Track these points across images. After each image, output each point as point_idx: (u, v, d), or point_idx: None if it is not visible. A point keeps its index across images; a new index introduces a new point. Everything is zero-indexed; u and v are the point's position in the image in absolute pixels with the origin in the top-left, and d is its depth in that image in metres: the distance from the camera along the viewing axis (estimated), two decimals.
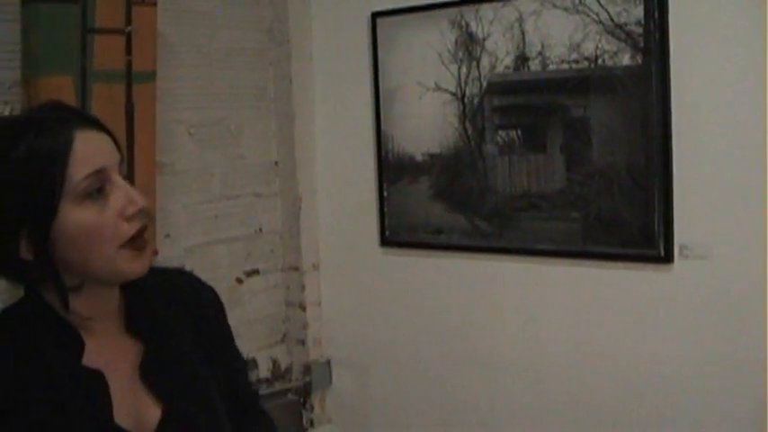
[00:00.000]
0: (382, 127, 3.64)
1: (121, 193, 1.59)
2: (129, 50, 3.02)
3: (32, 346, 1.57)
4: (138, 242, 1.61)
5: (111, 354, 1.66)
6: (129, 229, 1.59)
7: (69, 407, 1.54)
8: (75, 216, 1.54)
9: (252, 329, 3.78)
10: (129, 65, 3.02)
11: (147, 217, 1.65)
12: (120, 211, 1.58)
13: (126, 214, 1.59)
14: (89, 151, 1.57)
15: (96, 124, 1.63)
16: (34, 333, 1.59)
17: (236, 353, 2.02)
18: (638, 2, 2.98)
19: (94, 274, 1.60)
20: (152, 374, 1.69)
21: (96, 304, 1.66)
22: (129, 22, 3.00)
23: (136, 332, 1.72)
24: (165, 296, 1.83)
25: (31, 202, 1.52)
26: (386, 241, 3.71)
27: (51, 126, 1.55)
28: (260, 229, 3.84)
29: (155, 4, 3.09)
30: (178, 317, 1.83)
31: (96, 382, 1.60)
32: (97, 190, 1.57)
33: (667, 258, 3.00)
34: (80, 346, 1.61)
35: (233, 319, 3.57)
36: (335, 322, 3.92)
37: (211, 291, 1.98)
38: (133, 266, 1.62)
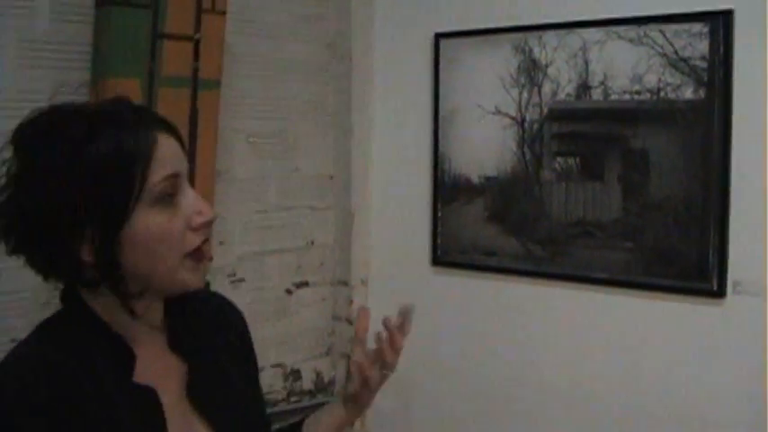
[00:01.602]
0: (440, 147, 3.69)
1: (192, 203, 1.58)
2: (196, 57, 3.10)
3: (82, 358, 1.52)
4: (200, 253, 1.60)
5: (159, 370, 1.64)
6: (195, 239, 1.58)
7: (123, 424, 1.51)
8: (146, 220, 1.50)
9: (298, 341, 3.84)
10: (195, 71, 3.10)
11: (211, 229, 1.63)
12: (189, 219, 1.57)
13: (194, 224, 1.57)
14: (167, 155, 1.55)
15: (173, 130, 1.61)
16: (83, 345, 1.55)
17: (258, 376, 2.02)
18: (703, 37, 3.01)
19: (156, 283, 1.57)
20: (200, 395, 1.68)
21: (148, 316, 1.63)
22: (198, 29, 3.08)
23: (179, 350, 1.70)
24: (202, 315, 1.82)
25: (105, 199, 1.47)
26: (437, 260, 3.76)
27: (133, 123, 1.52)
28: (311, 242, 3.90)
29: (224, 13, 3.16)
30: (216, 338, 1.83)
31: (150, 400, 1.57)
32: (169, 195, 1.54)
33: (720, 293, 3.02)
34: (131, 361, 1.58)
35: (280, 328, 3.73)
36: None
37: (241, 314, 1.97)
38: (193, 278, 1.60)
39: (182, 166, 1.59)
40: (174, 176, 1.55)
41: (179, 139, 1.62)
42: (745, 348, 3.00)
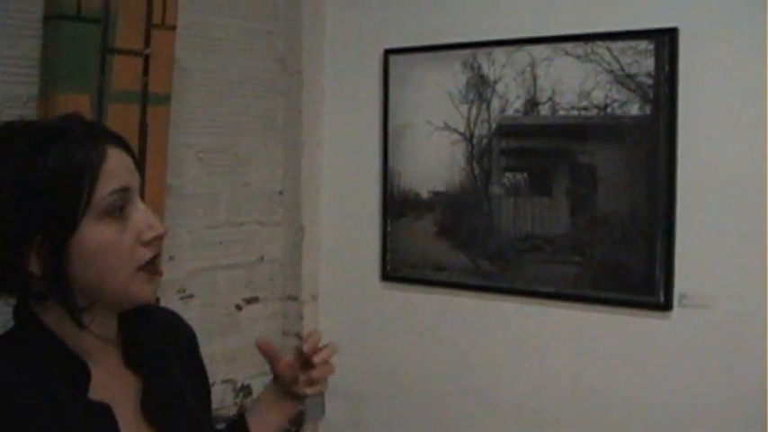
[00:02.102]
0: (389, 163, 3.69)
1: (142, 217, 1.59)
2: (146, 72, 3.06)
3: (36, 375, 1.51)
4: (152, 267, 1.61)
5: (113, 386, 1.64)
6: (146, 253, 1.59)
7: None
8: (94, 232, 1.51)
9: (248, 356, 3.79)
10: (145, 86, 3.06)
11: (162, 244, 1.64)
12: (139, 234, 1.58)
13: (144, 238, 1.58)
14: (118, 168, 1.56)
15: (125, 145, 1.62)
16: (37, 362, 1.54)
17: (209, 391, 2.02)
18: (649, 54, 3.06)
19: (106, 296, 1.58)
20: (154, 410, 1.68)
21: (101, 332, 1.62)
22: (147, 44, 3.05)
23: (134, 365, 1.70)
24: (155, 331, 1.82)
25: (52, 212, 1.47)
26: (387, 276, 3.75)
27: (83, 138, 1.53)
28: (262, 258, 3.87)
29: (173, 28, 3.14)
30: (168, 352, 1.83)
31: (105, 417, 1.57)
32: (119, 209, 1.55)
33: (667, 306, 3.05)
34: (86, 377, 1.58)
35: (230, 344, 3.70)
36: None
37: (191, 328, 1.98)
38: (145, 291, 1.61)
39: (133, 180, 1.60)
40: (124, 190, 1.56)
41: (131, 153, 1.63)
42: (692, 360, 3.03)
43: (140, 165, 2.95)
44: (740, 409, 2.95)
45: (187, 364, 1.90)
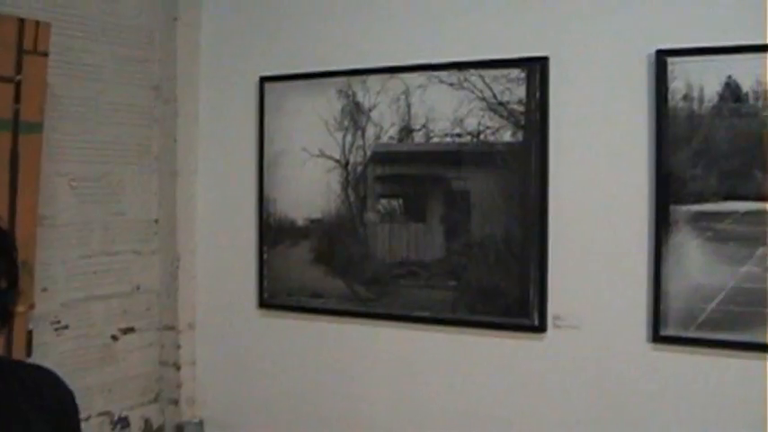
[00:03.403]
0: (265, 190, 3.52)
1: None
2: (17, 99, 2.83)
3: None
4: None
5: None
6: None
7: None
8: None
9: (125, 388, 3.55)
10: (16, 114, 2.83)
11: None
12: None
13: None
14: None
15: None
16: None
17: None
18: (520, 82, 2.99)
19: None
20: None
21: None
22: (19, 70, 2.82)
23: None
24: (25, 390, 1.64)
25: None
26: (264, 303, 3.57)
27: None
28: (137, 287, 3.63)
29: (46, 55, 2.91)
30: (35, 414, 1.64)
31: None
32: None
33: (541, 328, 2.98)
34: None
35: (106, 375, 3.42)
36: (210, 383, 3.73)
37: (71, 393, 1.80)
38: None
39: None
40: None
41: None
42: (567, 379, 2.98)
43: (11, 196, 2.74)
44: (615, 423, 2.90)
45: (56, 427, 1.69)
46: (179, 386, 3.70)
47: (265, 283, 3.56)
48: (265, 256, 3.54)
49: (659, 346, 2.82)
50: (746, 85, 2.69)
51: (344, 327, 3.39)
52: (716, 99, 2.73)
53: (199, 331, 3.77)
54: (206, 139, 3.72)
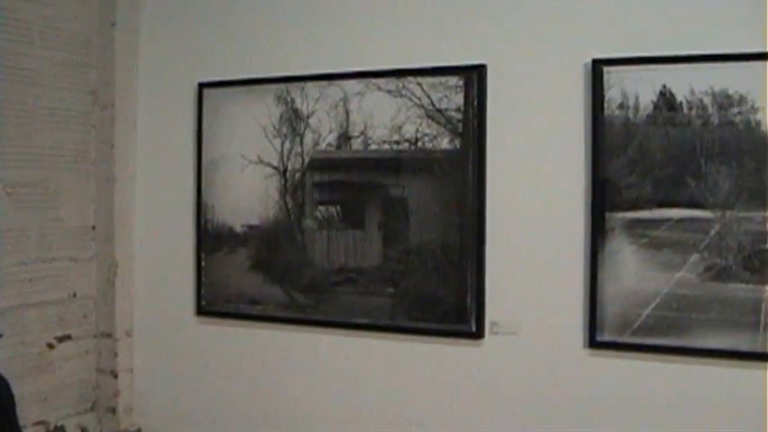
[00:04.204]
0: (203, 197, 3.38)
1: None
2: None
3: None
4: None
5: None
6: None
7: None
8: None
9: (61, 396, 3.39)
10: None
11: None
12: None
13: None
14: None
15: None
16: None
17: None
18: (458, 89, 2.91)
19: None
20: None
21: None
22: None
23: None
24: None
25: None
26: (201, 310, 3.42)
27: None
28: (74, 294, 3.46)
29: None
30: None
31: None
32: None
33: (479, 334, 2.90)
34: None
35: (42, 384, 3.26)
36: (148, 391, 3.56)
37: (6, 382, 1.69)
38: None
39: None
40: None
41: None
42: (505, 384, 2.91)
43: None
44: (552, 428, 2.83)
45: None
46: (116, 394, 3.54)
47: (203, 291, 3.41)
48: (203, 262, 3.40)
49: (596, 351, 2.77)
50: (680, 95, 2.64)
51: (283, 334, 3.27)
52: (651, 108, 2.68)
53: (136, 339, 3.60)
54: (144, 144, 3.56)
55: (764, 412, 2.55)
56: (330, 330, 3.15)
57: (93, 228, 3.53)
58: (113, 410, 3.54)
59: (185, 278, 3.47)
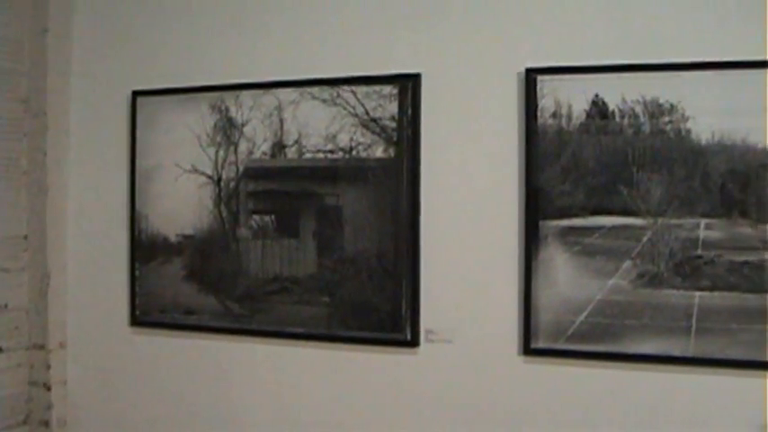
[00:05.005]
0: (137, 206, 3.21)
1: None
2: None
3: None
4: None
5: None
6: None
7: None
8: None
9: None
10: None
11: None
12: None
13: None
14: None
15: None
16: None
17: None
18: (393, 98, 2.80)
19: None
20: None
21: None
22: None
23: None
24: None
25: None
26: (136, 321, 3.26)
27: None
28: (5, 305, 3.27)
29: None
30: None
31: None
32: None
33: (414, 342, 2.80)
34: None
35: None
36: (82, 403, 3.38)
37: None
38: None
39: None
40: None
41: None
42: (440, 392, 2.80)
43: None
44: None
45: None
46: (50, 407, 3.34)
47: (138, 301, 3.24)
48: (137, 272, 3.23)
49: (530, 358, 2.68)
50: (613, 103, 2.57)
51: (218, 344, 3.12)
52: (583, 116, 2.60)
53: (70, 350, 3.41)
54: (77, 153, 3.37)
55: (695, 416, 2.51)
56: (265, 340, 3.02)
57: (26, 237, 3.34)
58: (46, 424, 3.34)
59: (119, 288, 3.29)
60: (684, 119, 2.48)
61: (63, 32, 3.34)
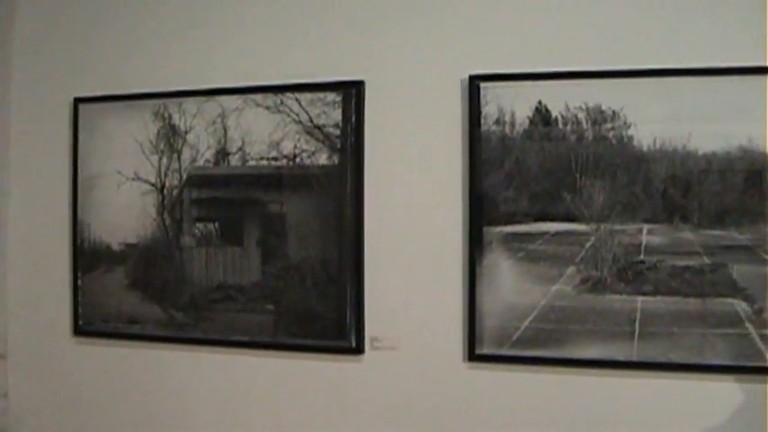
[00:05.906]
0: (79, 214, 3.03)
1: None
2: None
3: None
4: None
5: None
6: None
7: None
8: None
9: None
10: None
11: None
12: None
13: None
14: None
15: None
16: None
17: None
18: (336, 105, 2.67)
19: None
20: None
21: None
22: None
23: None
24: None
25: None
26: (79, 330, 3.07)
27: None
28: None
29: None
30: None
31: None
32: None
33: (358, 350, 2.68)
34: None
35: None
36: (24, 415, 3.17)
37: None
38: None
39: None
40: None
41: None
42: (385, 399, 2.69)
43: None
44: None
45: None
46: None
47: (80, 310, 3.05)
48: (80, 281, 3.04)
49: (475, 364, 2.57)
50: (556, 110, 2.47)
51: (163, 353, 2.95)
52: (527, 123, 2.50)
53: (11, 361, 3.20)
54: (18, 160, 3.17)
55: (639, 420, 2.43)
56: (210, 348, 2.86)
57: None
58: None
59: (62, 298, 3.10)
60: (626, 125, 2.39)
61: (3, 38, 3.14)
